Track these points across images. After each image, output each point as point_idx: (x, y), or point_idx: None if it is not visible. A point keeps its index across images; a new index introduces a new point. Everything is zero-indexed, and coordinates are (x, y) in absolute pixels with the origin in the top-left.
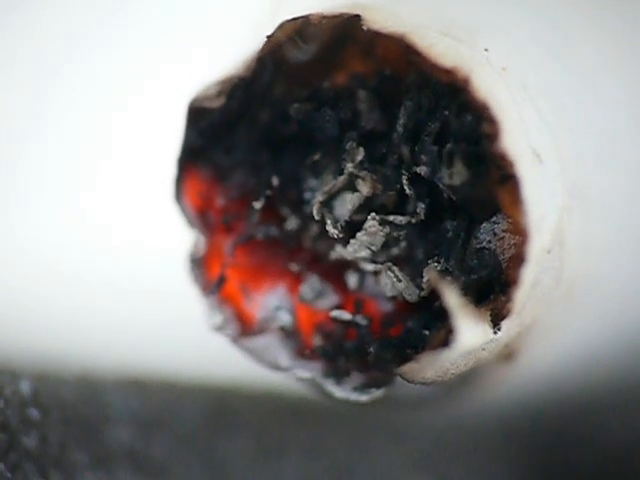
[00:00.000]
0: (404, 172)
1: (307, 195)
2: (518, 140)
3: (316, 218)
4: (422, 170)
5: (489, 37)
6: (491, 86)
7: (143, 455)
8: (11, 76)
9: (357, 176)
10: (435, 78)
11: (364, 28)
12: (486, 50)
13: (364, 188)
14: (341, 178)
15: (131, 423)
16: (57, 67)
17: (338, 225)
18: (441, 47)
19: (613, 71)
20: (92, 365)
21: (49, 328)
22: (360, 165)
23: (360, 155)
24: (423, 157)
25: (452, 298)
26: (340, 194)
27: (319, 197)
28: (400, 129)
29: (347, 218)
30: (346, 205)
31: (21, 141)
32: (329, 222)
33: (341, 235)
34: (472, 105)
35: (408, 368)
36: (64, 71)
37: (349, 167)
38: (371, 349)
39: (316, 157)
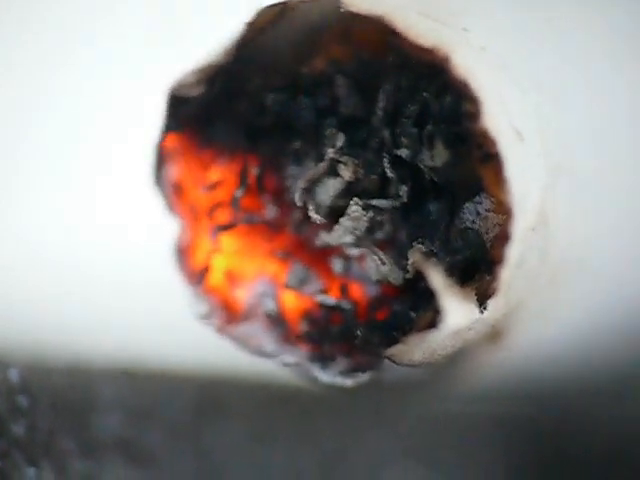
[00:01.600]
0: (385, 155)
1: (289, 182)
2: (499, 119)
3: (298, 205)
4: (403, 153)
5: (469, 17)
6: (471, 65)
7: (132, 444)
8: (12, 65)
9: (338, 161)
10: (415, 58)
11: (342, 10)
12: (465, 30)
13: (346, 173)
14: (322, 164)
15: (120, 412)
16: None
17: (320, 211)
18: (420, 27)
19: (596, 50)
20: (81, 354)
21: (38, 317)
22: (341, 150)
23: (340, 140)
24: (404, 140)
25: (437, 279)
26: (322, 180)
27: (301, 184)
28: (380, 112)
29: (329, 204)
30: (328, 191)
31: (18, 138)
32: (311, 208)
33: (324, 221)
34: (452, 84)
35: (396, 350)
36: (63, 62)
37: (330, 153)
38: (358, 332)
39: (296, 145)
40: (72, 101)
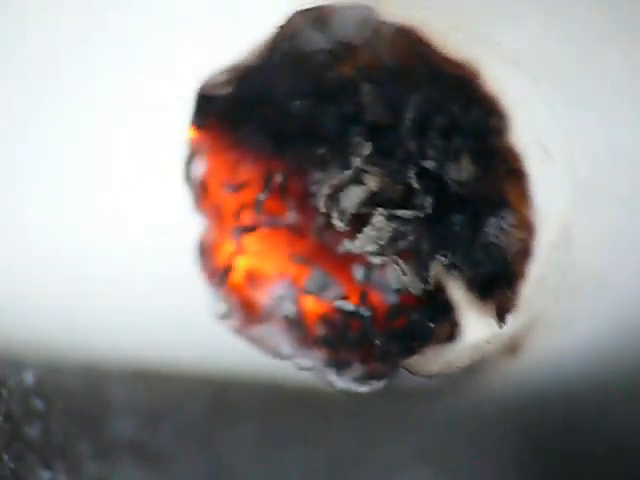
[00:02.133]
0: (411, 166)
1: (313, 188)
2: (526, 135)
3: (322, 211)
4: (429, 164)
5: (500, 31)
6: (501, 80)
7: (146, 446)
8: (25, 57)
9: (365, 170)
10: (445, 71)
11: (376, 19)
12: (497, 44)
13: (372, 182)
14: (348, 172)
15: (134, 414)
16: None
17: (344, 218)
18: (452, 40)
19: (625, 66)
20: (96, 356)
21: (53, 319)
22: (368, 159)
23: (367, 149)
24: (430, 151)
25: (457, 292)
26: (347, 188)
27: (326, 190)
28: (408, 123)
29: (353, 211)
30: (352, 198)
31: (27, 132)
32: (335, 215)
33: (347, 228)
34: (481, 99)
35: (413, 361)
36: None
37: (356, 161)
38: (377, 341)
39: (321, 151)
40: (91, 98)
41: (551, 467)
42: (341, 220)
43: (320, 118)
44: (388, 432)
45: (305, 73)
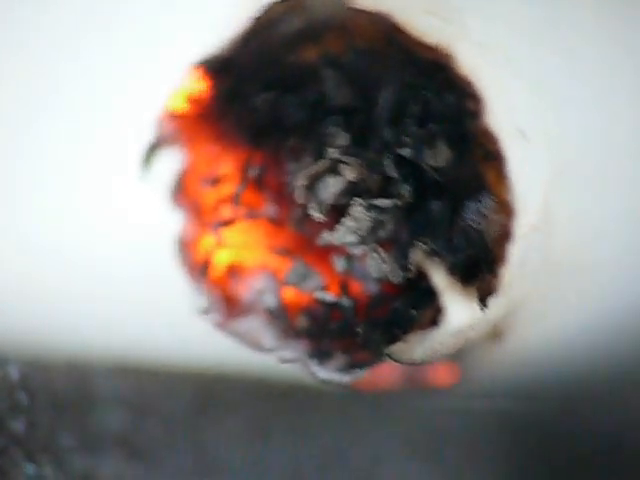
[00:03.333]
0: (388, 155)
1: (290, 179)
2: (502, 117)
3: (299, 202)
4: (406, 152)
5: (472, 14)
6: (474, 63)
7: (131, 439)
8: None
9: (341, 161)
10: (417, 55)
11: (349, 6)
12: (469, 27)
13: (349, 174)
14: (322, 162)
15: (119, 408)
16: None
17: (322, 209)
18: (423, 24)
19: (600, 46)
20: (81, 350)
21: (37, 313)
22: (344, 149)
23: (343, 139)
24: (406, 139)
25: (439, 278)
26: (323, 178)
27: (302, 181)
28: (382, 111)
29: (331, 202)
30: (329, 189)
31: (26, 132)
32: (313, 206)
33: (325, 219)
34: (455, 82)
35: (397, 348)
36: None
37: (332, 152)
38: (359, 329)
39: (293, 141)
40: (79, 101)
41: (541, 462)
42: (319, 211)
43: (285, 108)
44: (374, 426)
45: (269, 63)
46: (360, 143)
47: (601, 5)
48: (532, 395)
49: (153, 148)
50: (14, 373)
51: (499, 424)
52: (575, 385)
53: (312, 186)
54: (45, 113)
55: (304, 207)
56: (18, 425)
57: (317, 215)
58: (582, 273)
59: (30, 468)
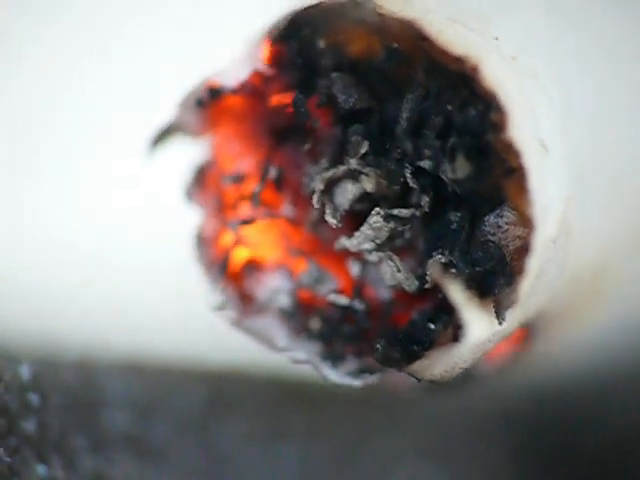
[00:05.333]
0: (407, 166)
1: (307, 181)
2: (526, 130)
3: (315, 206)
4: (425, 164)
5: (500, 25)
6: (500, 75)
7: (142, 439)
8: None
9: (360, 170)
10: (443, 66)
11: (374, 12)
12: (496, 39)
13: (368, 185)
14: (341, 167)
15: (130, 407)
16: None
17: (337, 215)
18: (451, 34)
19: (624, 61)
20: (91, 349)
21: (48, 312)
22: (363, 160)
23: (364, 148)
24: (426, 151)
25: (456, 292)
26: (340, 183)
27: (319, 185)
28: (403, 123)
29: (347, 208)
30: (346, 195)
31: (35, 125)
32: (328, 211)
33: (340, 225)
34: (480, 95)
35: (417, 366)
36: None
37: (352, 163)
38: (377, 346)
39: (307, 146)
40: (94, 87)
41: (550, 462)
42: (334, 217)
43: (295, 109)
44: (387, 427)
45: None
46: (380, 152)
47: (628, 19)
48: (546, 400)
49: (168, 135)
50: (25, 373)
51: (511, 427)
52: (590, 394)
53: (329, 191)
54: (64, 102)
55: (320, 211)
56: (29, 425)
57: (332, 220)
58: (600, 284)
59: (41, 469)
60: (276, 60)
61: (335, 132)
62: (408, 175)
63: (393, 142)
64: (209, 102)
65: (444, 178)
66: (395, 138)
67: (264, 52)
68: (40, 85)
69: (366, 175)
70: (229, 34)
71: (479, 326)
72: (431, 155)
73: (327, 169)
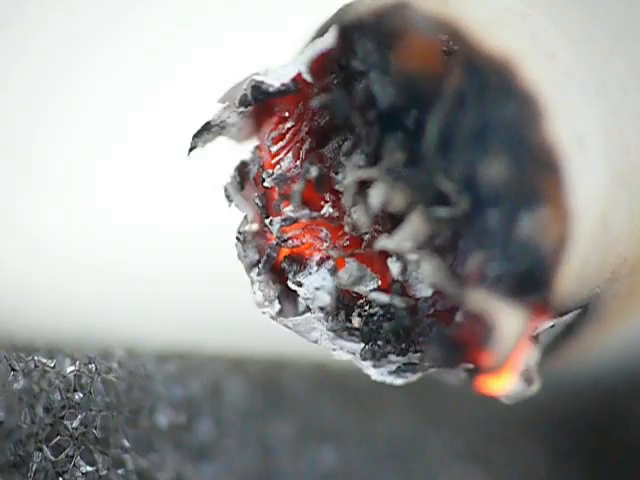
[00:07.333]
0: (444, 165)
1: (341, 181)
2: (563, 127)
3: (348, 206)
4: (462, 162)
5: (538, 23)
6: (538, 73)
7: (188, 438)
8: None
9: (395, 172)
10: (480, 63)
11: (413, 11)
12: (534, 36)
13: (397, 198)
14: (374, 170)
15: (176, 405)
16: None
17: (368, 216)
18: (488, 32)
19: None
20: (136, 344)
21: (95, 309)
22: (395, 172)
23: (400, 154)
24: (463, 150)
25: (494, 289)
26: (374, 185)
27: (350, 187)
28: (439, 120)
29: (378, 210)
30: (379, 197)
31: (38, 127)
32: (359, 212)
33: (370, 227)
34: (517, 93)
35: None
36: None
37: (387, 163)
38: (428, 346)
39: (347, 145)
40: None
41: (590, 461)
42: (365, 217)
43: (338, 110)
44: (435, 427)
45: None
46: (414, 160)
47: None
48: (586, 398)
49: (210, 134)
50: (69, 371)
51: (549, 424)
52: (631, 394)
53: (361, 192)
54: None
55: (349, 210)
56: (74, 424)
57: (362, 221)
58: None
59: (86, 467)
60: (321, 62)
61: (373, 133)
62: (445, 174)
63: (428, 140)
64: (253, 101)
65: (482, 176)
66: (430, 135)
67: (310, 53)
68: (66, 83)
69: (397, 189)
70: (276, 34)
71: (515, 325)
72: (468, 153)
73: (360, 168)
